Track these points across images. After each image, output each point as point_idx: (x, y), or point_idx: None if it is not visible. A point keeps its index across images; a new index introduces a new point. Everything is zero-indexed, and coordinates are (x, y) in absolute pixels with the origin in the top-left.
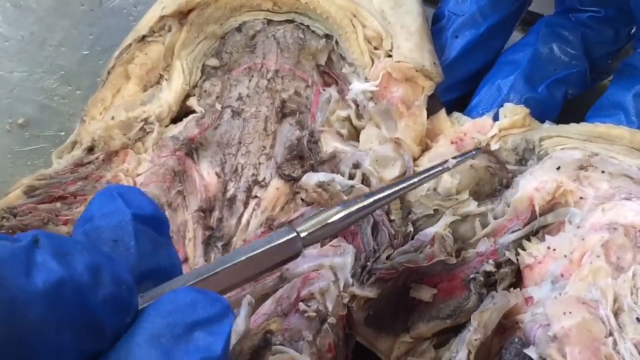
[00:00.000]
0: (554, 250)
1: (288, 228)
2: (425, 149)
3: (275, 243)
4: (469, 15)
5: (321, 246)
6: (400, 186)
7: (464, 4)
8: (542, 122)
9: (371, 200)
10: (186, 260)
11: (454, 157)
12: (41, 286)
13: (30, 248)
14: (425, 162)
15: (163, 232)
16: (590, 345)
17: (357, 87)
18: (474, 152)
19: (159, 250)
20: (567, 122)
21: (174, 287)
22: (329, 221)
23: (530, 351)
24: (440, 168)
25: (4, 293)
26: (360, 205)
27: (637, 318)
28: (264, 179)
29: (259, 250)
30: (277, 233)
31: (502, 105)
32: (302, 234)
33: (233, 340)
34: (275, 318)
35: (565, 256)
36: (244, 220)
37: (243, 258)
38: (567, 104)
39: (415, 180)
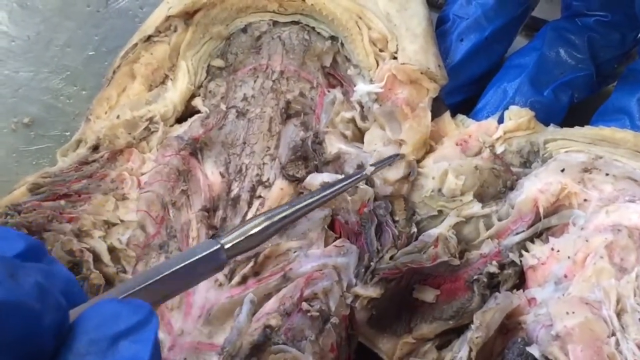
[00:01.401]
0: (558, 251)
1: (212, 240)
2: (430, 150)
3: (200, 255)
4: (473, 19)
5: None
6: (322, 194)
7: (469, 8)
8: (547, 125)
9: (293, 209)
10: None
11: (372, 164)
12: None
13: None
14: (430, 164)
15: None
16: (592, 344)
17: (362, 88)
18: (392, 159)
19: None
20: (571, 126)
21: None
22: (252, 232)
23: (532, 349)
24: (358, 176)
25: None
26: (283, 214)
27: (639, 319)
28: (268, 179)
29: (184, 264)
30: (201, 245)
31: (507, 109)
32: (226, 246)
33: (234, 336)
34: (276, 314)
35: (568, 257)
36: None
37: (169, 271)
38: (571, 108)
39: (336, 188)
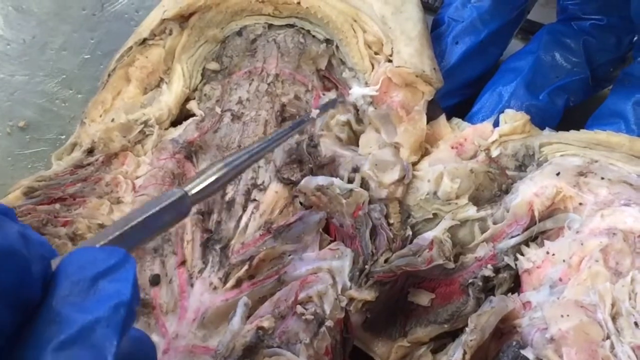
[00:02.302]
0: (553, 255)
1: (176, 189)
2: (425, 154)
3: (166, 203)
4: (469, 22)
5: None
6: (274, 137)
7: (464, 11)
8: (543, 129)
9: (250, 154)
10: (184, 262)
11: (316, 108)
12: None
13: None
14: (425, 166)
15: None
16: (587, 347)
17: (357, 91)
18: (335, 101)
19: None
20: (567, 129)
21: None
22: (213, 178)
23: (527, 352)
24: (305, 119)
25: None
26: (240, 159)
27: (635, 322)
28: (263, 182)
29: (152, 212)
30: (166, 194)
31: (503, 112)
32: (190, 193)
33: (228, 339)
34: (269, 315)
35: (564, 261)
36: (242, 223)
37: (138, 220)
38: (567, 112)
39: (284, 130)
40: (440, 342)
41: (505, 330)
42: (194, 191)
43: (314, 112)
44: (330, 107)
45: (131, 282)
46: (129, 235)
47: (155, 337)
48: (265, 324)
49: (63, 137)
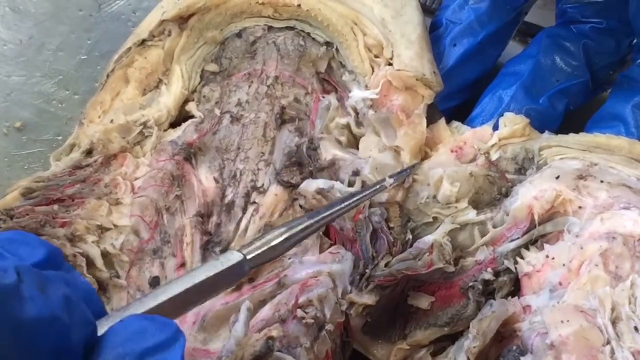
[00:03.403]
0: (553, 258)
1: (235, 251)
2: (425, 157)
3: (224, 267)
4: (466, 24)
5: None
6: (342, 205)
7: (462, 13)
8: (542, 132)
9: (313, 220)
10: (183, 264)
11: (391, 176)
12: (32, 319)
13: (17, 282)
14: (425, 170)
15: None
16: (587, 353)
17: (357, 94)
18: (407, 170)
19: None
20: (566, 132)
21: (124, 315)
22: (274, 243)
23: (527, 358)
24: (378, 186)
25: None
26: (304, 225)
27: (635, 327)
28: (263, 185)
29: (209, 276)
30: (225, 256)
31: (502, 116)
32: (249, 256)
33: (232, 345)
34: (277, 325)
35: (563, 265)
36: (242, 225)
37: (192, 284)
38: (566, 115)
39: (356, 199)
40: (440, 345)
41: (505, 334)
42: (252, 255)
43: (388, 181)
44: (406, 175)
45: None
46: (184, 297)
47: None
48: (275, 334)
49: (60, 138)
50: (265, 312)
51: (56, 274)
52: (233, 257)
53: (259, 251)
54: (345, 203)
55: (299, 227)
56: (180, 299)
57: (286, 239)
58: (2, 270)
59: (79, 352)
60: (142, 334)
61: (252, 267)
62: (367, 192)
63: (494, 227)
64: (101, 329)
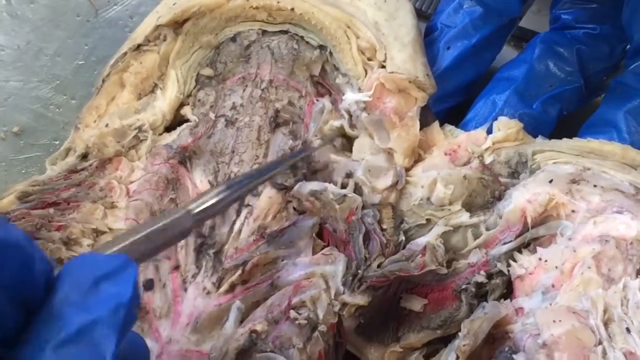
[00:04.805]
0: (545, 261)
1: (179, 208)
2: (419, 160)
3: (169, 219)
4: (461, 27)
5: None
6: (275, 161)
7: (456, 16)
8: (536, 137)
9: (252, 178)
10: (177, 267)
11: (318, 137)
12: None
13: None
14: (419, 172)
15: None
16: (579, 352)
17: (351, 97)
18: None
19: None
20: (560, 137)
21: None
22: (216, 199)
23: (519, 357)
24: (306, 150)
25: None
26: (243, 182)
27: (626, 328)
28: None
29: (153, 228)
30: (169, 211)
31: (496, 120)
32: (193, 212)
33: (221, 343)
34: (262, 319)
35: (556, 267)
36: (236, 228)
37: (142, 234)
38: (560, 119)
39: (286, 156)
40: (433, 347)
41: (497, 336)
42: (196, 210)
43: (316, 142)
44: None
45: (132, 285)
46: (131, 249)
47: (148, 342)
48: (259, 328)
49: (57, 142)
50: (258, 313)
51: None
52: (177, 212)
53: (202, 207)
54: (279, 159)
55: (239, 184)
56: (128, 248)
57: (227, 196)
58: None
59: (41, 284)
60: (95, 265)
61: (195, 222)
62: (297, 151)
63: (487, 229)
64: (57, 271)
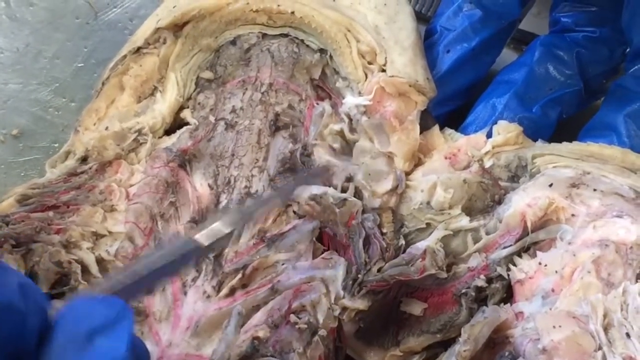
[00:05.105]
0: (545, 265)
1: (188, 239)
2: (419, 164)
3: (177, 256)
4: (460, 30)
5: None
6: (286, 187)
7: (456, 20)
8: (535, 140)
9: (263, 202)
10: None
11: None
12: None
13: None
14: (418, 177)
15: None
16: (579, 358)
17: (351, 101)
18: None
19: None
20: (559, 140)
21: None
22: (226, 232)
23: None
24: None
25: None
26: (254, 208)
27: (626, 333)
28: (257, 191)
29: (162, 264)
30: (178, 243)
31: (496, 124)
32: (204, 245)
33: (223, 348)
34: (264, 325)
35: (556, 272)
36: (236, 232)
37: (148, 272)
38: (559, 123)
39: (296, 181)
40: (433, 351)
41: (498, 341)
42: (206, 243)
43: (333, 169)
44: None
45: (126, 339)
46: (138, 282)
47: (149, 345)
48: (261, 334)
49: (56, 145)
50: (259, 317)
51: (10, 267)
52: (186, 245)
53: (212, 240)
54: (289, 185)
55: (246, 211)
56: (132, 280)
57: (233, 230)
58: None
59: (34, 338)
60: (89, 315)
61: (203, 255)
62: (308, 175)
63: (487, 234)
64: (52, 315)
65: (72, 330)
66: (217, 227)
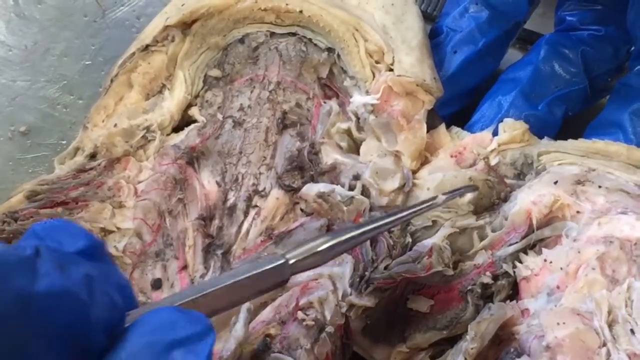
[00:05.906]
0: (551, 262)
1: (277, 254)
2: (425, 162)
3: (263, 269)
4: (467, 32)
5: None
6: (390, 219)
7: (462, 21)
8: (541, 138)
9: (360, 231)
10: (185, 267)
11: (444, 194)
12: (44, 292)
13: (33, 257)
14: (425, 175)
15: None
16: (583, 355)
17: (358, 100)
18: (462, 190)
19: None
20: (565, 138)
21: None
22: (318, 250)
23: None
24: (430, 203)
25: (9, 295)
26: (349, 235)
27: (631, 330)
28: (264, 188)
29: (246, 275)
30: (266, 258)
31: (502, 121)
32: (291, 261)
33: (232, 345)
34: (275, 323)
35: (561, 269)
36: (243, 229)
37: (230, 282)
38: (565, 121)
39: (405, 214)
40: (439, 348)
41: (503, 337)
42: (294, 260)
43: (440, 198)
44: (459, 194)
45: (205, 357)
46: (219, 295)
47: None
48: (272, 332)
49: (64, 142)
50: (266, 314)
51: (88, 262)
52: (274, 260)
53: (302, 257)
54: (392, 218)
55: (345, 237)
56: (216, 297)
57: (330, 247)
58: (22, 247)
59: (99, 333)
60: (172, 325)
61: (293, 273)
62: (417, 209)
63: (493, 231)
64: (131, 320)
65: (152, 338)
66: (310, 246)
